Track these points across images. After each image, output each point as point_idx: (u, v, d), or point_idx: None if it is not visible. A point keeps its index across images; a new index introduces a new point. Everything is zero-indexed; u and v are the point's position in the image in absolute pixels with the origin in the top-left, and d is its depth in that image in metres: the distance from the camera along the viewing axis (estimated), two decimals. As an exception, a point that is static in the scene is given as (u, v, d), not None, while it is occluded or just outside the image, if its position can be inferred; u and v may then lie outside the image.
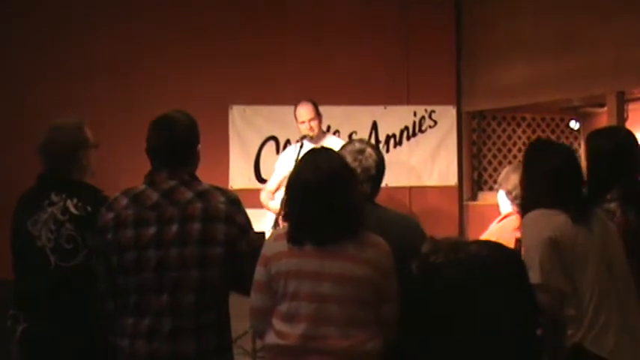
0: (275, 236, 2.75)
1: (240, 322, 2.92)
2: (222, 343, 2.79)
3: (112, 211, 2.76)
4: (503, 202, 3.80)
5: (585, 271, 2.75)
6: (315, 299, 2.58)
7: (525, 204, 2.98)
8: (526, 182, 3.03)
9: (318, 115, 5.60)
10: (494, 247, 1.69)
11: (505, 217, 3.73)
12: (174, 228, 2.68)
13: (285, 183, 2.84)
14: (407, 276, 1.87)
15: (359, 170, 2.94)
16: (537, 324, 1.91)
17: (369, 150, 3.08)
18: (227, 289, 2.81)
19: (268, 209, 5.54)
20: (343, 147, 3.12)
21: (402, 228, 2.96)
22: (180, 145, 2.81)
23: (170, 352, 2.65)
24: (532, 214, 2.86)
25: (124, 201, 2.76)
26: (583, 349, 2.72)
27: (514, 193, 3.69)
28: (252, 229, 2.85)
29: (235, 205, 2.79)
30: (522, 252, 2.83)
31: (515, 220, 3.43)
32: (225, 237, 2.71)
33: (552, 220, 2.80)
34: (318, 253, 2.61)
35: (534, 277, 2.69)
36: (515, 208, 3.67)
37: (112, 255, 2.72)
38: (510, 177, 3.75)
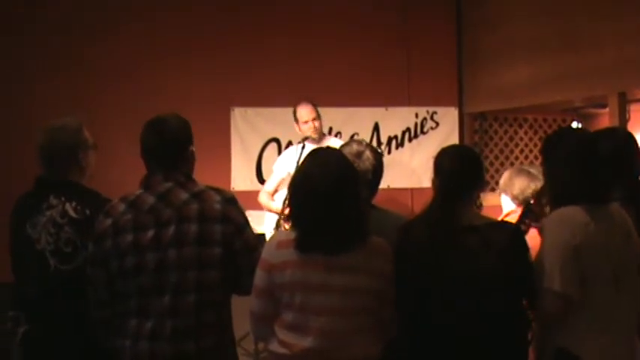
0: (278, 242, 2.66)
1: (242, 323, 2.91)
2: (223, 342, 2.80)
3: (110, 218, 2.77)
4: (508, 205, 3.76)
5: (595, 282, 2.73)
6: (324, 312, 2.56)
7: (553, 199, 2.88)
8: (548, 174, 2.94)
9: (319, 116, 5.61)
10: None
11: (507, 214, 3.70)
12: (171, 230, 2.69)
13: (284, 184, 2.82)
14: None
15: None
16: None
17: (367, 153, 3.05)
18: (228, 289, 2.81)
19: (270, 210, 5.52)
20: (341, 148, 3.08)
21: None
22: (172, 146, 2.81)
23: (172, 352, 2.67)
24: (557, 216, 2.78)
25: (122, 207, 2.77)
26: (569, 353, 2.72)
27: (521, 198, 3.66)
28: (249, 226, 2.84)
29: (231, 204, 2.78)
30: (539, 252, 2.76)
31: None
32: (222, 237, 2.71)
33: (577, 227, 2.71)
34: (327, 263, 2.56)
35: (551, 281, 2.68)
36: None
37: (111, 261, 2.73)
38: (515, 181, 3.70)
